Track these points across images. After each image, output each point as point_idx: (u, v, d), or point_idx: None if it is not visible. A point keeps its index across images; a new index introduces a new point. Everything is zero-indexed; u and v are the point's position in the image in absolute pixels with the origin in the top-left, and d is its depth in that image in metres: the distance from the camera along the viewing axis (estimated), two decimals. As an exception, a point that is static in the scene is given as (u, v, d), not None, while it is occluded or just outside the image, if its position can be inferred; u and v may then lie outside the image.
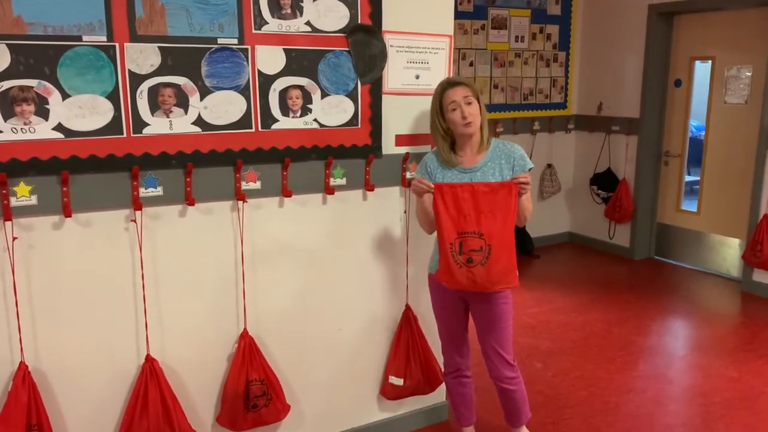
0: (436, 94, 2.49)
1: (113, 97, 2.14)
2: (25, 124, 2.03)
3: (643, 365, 3.78)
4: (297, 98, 2.46)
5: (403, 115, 2.73)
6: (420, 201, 2.52)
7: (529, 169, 2.49)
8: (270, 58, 2.38)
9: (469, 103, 2.42)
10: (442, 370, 2.84)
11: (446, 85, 2.47)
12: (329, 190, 2.60)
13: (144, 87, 2.19)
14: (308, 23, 2.43)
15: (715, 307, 4.84)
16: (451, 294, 2.57)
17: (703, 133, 5.61)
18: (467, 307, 2.63)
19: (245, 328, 2.52)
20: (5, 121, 2.00)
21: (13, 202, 2.06)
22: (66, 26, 2.03)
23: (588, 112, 6.21)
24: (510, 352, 2.62)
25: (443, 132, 2.49)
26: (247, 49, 2.33)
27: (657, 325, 4.41)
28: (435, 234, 2.62)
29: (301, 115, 2.49)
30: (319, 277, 2.69)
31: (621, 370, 3.71)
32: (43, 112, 2.05)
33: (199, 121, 2.30)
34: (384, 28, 2.58)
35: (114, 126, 2.16)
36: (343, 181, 2.64)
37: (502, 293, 2.52)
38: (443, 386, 2.97)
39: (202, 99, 2.29)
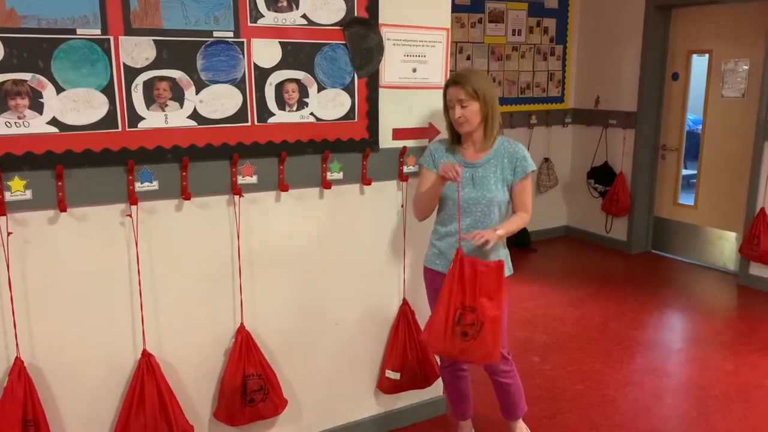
0: (444, 88, 2.51)
1: (108, 90, 2.13)
2: (19, 118, 2.02)
3: (640, 359, 3.78)
4: (293, 92, 2.45)
5: (400, 109, 2.72)
6: (424, 185, 2.54)
7: (532, 171, 2.49)
8: (266, 52, 2.37)
9: (464, 106, 2.41)
10: (439, 363, 2.84)
11: (449, 82, 2.46)
12: (326, 185, 2.59)
13: (139, 80, 2.17)
14: (304, 16, 2.41)
15: (712, 301, 4.85)
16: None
17: (700, 126, 5.61)
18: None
19: (242, 323, 2.51)
20: (-1, 115, 1.99)
21: (8, 196, 2.05)
22: (60, 19, 2.01)
23: (585, 105, 6.20)
24: (504, 345, 2.61)
25: (449, 124, 2.53)
26: (242, 42, 2.32)
27: (654, 318, 4.42)
28: (432, 227, 2.63)
29: (297, 109, 2.48)
30: (316, 272, 2.69)
31: (618, 363, 3.72)
32: (37, 106, 2.03)
33: (195, 115, 2.29)
34: (381, 21, 2.57)
35: (109, 120, 2.15)
36: (340, 176, 2.63)
37: None
38: (440, 380, 2.97)
39: (197, 93, 2.27)
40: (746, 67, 5.07)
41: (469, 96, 2.40)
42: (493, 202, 2.44)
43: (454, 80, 2.43)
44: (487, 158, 2.48)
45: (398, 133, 2.74)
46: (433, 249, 2.61)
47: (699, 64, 5.54)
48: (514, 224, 2.49)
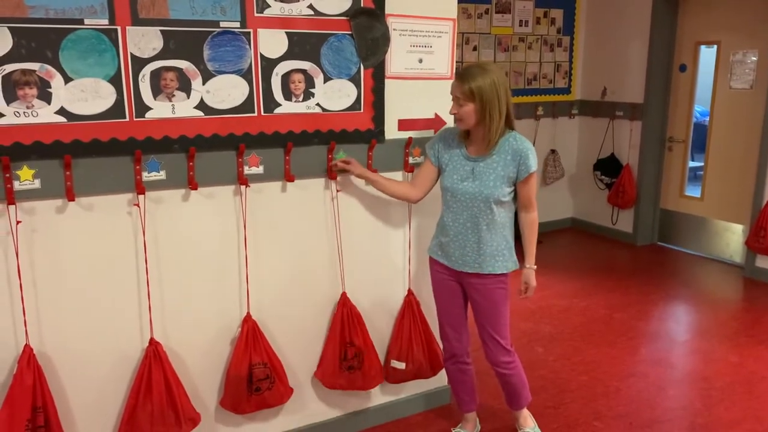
0: None
1: (115, 80, 2.14)
2: (27, 107, 2.03)
3: (644, 350, 3.79)
4: (299, 82, 2.46)
5: (406, 100, 2.72)
6: (419, 172, 2.64)
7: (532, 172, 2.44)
8: (272, 42, 2.37)
9: (461, 105, 2.37)
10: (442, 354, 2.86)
11: (456, 74, 2.42)
12: (332, 175, 2.60)
13: (146, 71, 2.18)
14: (310, 6, 2.41)
15: (718, 293, 4.84)
16: (448, 277, 2.59)
17: (707, 118, 5.58)
18: (465, 292, 2.64)
19: (248, 312, 2.53)
20: (8, 105, 2.00)
21: (17, 185, 2.06)
22: (68, 9, 2.02)
23: (592, 97, 6.18)
24: (505, 336, 2.62)
25: None
26: (249, 32, 2.32)
27: (659, 310, 4.42)
28: (438, 217, 2.63)
29: (303, 100, 2.48)
30: (322, 262, 2.70)
31: (622, 354, 3.73)
32: (45, 96, 2.05)
33: (202, 105, 2.30)
34: (387, 11, 2.57)
35: (116, 110, 2.16)
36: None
37: (497, 278, 2.52)
38: (445, 370, 2.98)
39: (204, 83, 2.28)
40: (755, 59, 5.04)
41: (464, 95, 2.34)
42: (490, 199, 2.42)
43: (459, 74, 2.39)
44: (490, 153, 2.44)
45: (404, 124, 2.74)
46: (435, 239, 2.63)
47: (707, 55, 5.51)
48: (532, 241, 2.59)
